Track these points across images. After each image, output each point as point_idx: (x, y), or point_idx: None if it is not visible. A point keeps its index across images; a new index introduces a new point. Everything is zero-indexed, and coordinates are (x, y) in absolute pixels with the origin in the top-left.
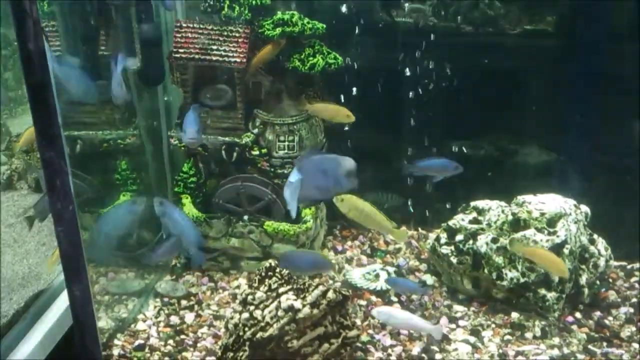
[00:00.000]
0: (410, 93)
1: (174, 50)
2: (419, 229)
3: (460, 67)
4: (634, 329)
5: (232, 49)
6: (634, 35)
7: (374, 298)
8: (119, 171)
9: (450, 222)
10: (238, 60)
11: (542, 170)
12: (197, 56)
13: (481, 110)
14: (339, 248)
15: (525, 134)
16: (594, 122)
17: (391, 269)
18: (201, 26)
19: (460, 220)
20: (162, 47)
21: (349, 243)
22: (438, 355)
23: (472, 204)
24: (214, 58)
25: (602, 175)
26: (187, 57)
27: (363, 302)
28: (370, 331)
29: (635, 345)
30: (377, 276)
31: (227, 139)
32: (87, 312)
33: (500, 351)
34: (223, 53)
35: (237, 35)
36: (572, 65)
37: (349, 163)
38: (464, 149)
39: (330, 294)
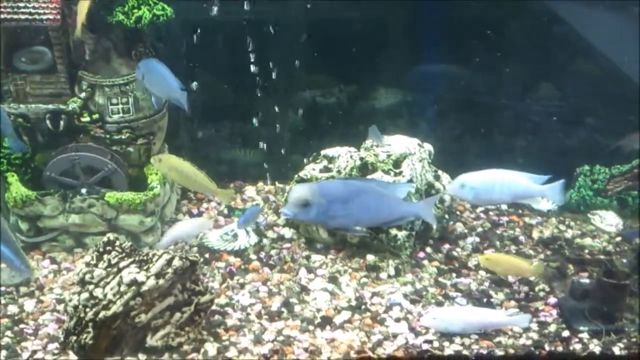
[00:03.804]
0: (251, 45)
1: None
2: (276, 183)
3: (305, 17)
4: (480, 257)
5: (43, 5)
6: None
7: (232, 259)
8: None
9: (302, 173)
10: (51, 17)
11: (390, 113)
12: (2, 16)
13: (330, 59)
14: (195, 211)
15: (373, 79)
16: (440, 63)
17: (250, 227)
18: None
19: (311, 170)
20: None
21: (205, 205)
22: (297, 307)
23: (322, 152)
24: (23, 17)
25: (446, 112)
26: None
27: (222, 264)
28: (229, 293)
29: (482, 272)
30: (235, 236)
31: (50, 106)
32: None
33: (357, 294)
34: (32, 10)
35: None
36: (421, 9)
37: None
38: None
39: (176, 262)
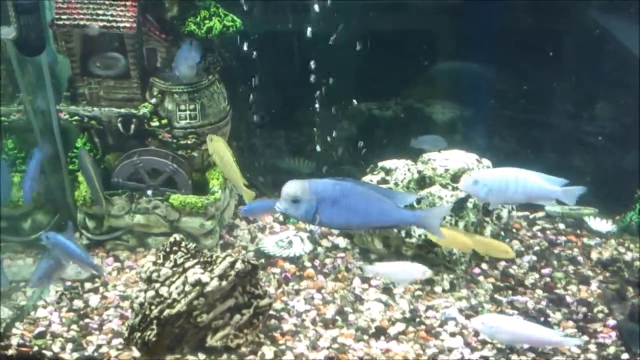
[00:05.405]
0: (315, 56)
1: (57, 17)
2: None
3: (365, 29)
4: (537, 275)
5: (120, 13)
6: None
7: (287, 265)
8: (5, 151)
9: None
10: (128, 25)
11: (447, 127)
12: (82, 22)
13: (388, 71)
14: (251, 217)
15: (430, 94)
16: (495, 79)
17: (304, 235)
18: None
19: (369, 181)
20: (41, 14)
21: None
22: (352, 316)
23: (380, 164)
24: (101, 24)
25: (503, 128)
26: (71, 23)
27: (277, 270)
28: (285, 298)
29: (539, 291)
30: (290, 243)
31: (122, 110)
32: None
33: (412, 307)
34: (110, 18)
35: None
36: (476, 24)
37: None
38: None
39: (239, 265)
